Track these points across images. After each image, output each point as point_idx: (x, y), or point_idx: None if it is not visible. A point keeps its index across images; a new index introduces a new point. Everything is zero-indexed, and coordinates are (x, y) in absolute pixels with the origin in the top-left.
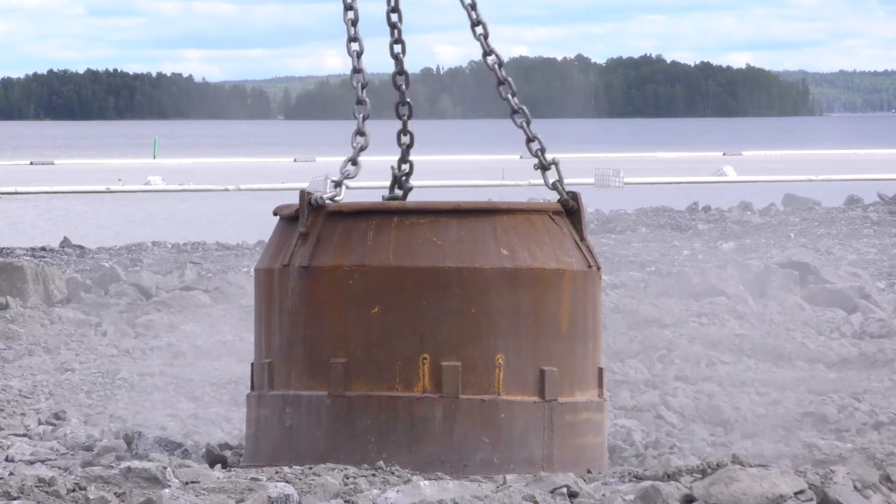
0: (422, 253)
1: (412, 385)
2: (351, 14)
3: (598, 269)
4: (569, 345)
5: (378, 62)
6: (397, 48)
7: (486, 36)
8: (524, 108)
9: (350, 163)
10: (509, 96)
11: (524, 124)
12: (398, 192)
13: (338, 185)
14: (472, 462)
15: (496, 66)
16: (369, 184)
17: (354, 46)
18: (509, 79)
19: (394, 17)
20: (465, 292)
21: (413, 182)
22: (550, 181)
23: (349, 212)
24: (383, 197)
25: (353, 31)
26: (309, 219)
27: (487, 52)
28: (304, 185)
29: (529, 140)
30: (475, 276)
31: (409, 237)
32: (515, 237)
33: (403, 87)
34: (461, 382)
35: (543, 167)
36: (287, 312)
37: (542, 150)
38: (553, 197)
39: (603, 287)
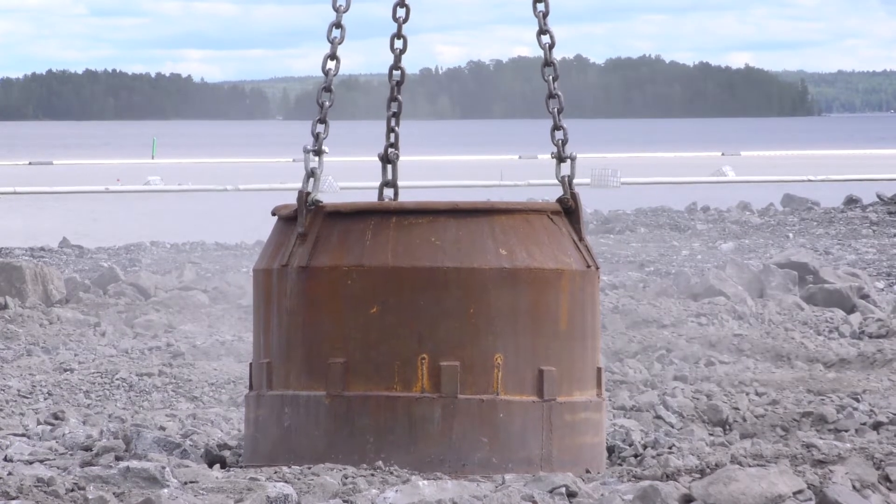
0: (420, 253)
1: (411, 385)
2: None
3: (597, 268)
4: (567, 344)
5: (377, 63)
6: (398, 43)
7: (545, 14)
8: (560, 94)
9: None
10: (550, 79)
11: (555, 111)
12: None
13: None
14: (471, 462)
15: (547, 47)
16: (367, 184)
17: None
18: (556, 62)
19: (400, 11)
20: (464, 292)
21: (412, 182)
22: (562, 174)
23: (347, 212)
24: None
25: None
26: (307, 219)
27: (543, 30)
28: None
29: (555, 128)
30: (473, 276)
31: (407, 237)
32: (514, 237)
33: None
34: (460, 382)
35: (560, 158)
36: (285, 313)
37: (564, 142)
38: (556, 191)
39: (602, 287)
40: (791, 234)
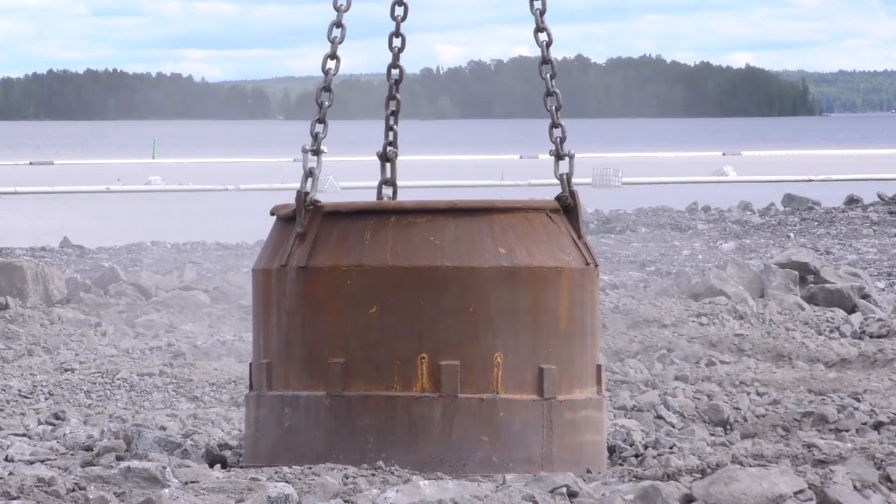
0: (419, 252)
1: (411, 384)
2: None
3: (596, 266)
4: (567, 342)
5: (377, 63)
6: (396, 41)
7: (542, 12)
8: (559, 92)
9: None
10: (548, 76)
11: (553, 108)
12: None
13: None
14: (472, 461)
15: (544, 45)
16: (368, 183)
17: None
18: (554, 60)
19: (398, 9)
20: (463, 291)
21: (412, 182)
22: (560, 171)
23: (346, 212)
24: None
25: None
26: (306, 219)
27: (540, 28)
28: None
29: (554, 126)
30: (473, 275)
31: (406, 237)
32: (513, 236)
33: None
34: (460, 381)
35: (558, 156)
36: (285, 313)
37: (563, 140)
38: (557, 191)
39: (603, 287)
40: (792, 234)
